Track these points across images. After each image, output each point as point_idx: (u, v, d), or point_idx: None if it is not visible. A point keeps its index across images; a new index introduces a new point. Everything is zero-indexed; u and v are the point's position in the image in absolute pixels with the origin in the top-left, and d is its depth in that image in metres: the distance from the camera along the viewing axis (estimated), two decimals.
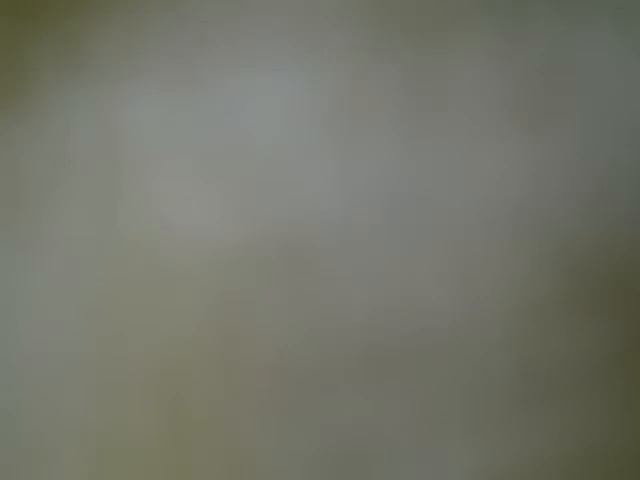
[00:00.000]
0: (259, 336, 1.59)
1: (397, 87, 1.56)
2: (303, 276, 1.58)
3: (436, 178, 1.52)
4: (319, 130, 1.60)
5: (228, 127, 1.66)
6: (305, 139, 1.61)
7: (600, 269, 1.43)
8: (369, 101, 1.57)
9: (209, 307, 1.63)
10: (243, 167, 1.64)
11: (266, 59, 1.65)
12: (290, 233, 1.60)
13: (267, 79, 1.64)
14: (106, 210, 1.72)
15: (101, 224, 1.72)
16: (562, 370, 1.44)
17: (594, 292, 1.43)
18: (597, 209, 1.44)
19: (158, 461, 1.63)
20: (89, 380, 1.70)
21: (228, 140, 1.66)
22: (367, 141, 1.57)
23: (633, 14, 1.45)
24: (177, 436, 1.63)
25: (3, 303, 1.78)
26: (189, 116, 1.69)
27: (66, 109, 1.77)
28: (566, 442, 1.42)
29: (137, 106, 1.73)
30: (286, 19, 1.63)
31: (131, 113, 1.73)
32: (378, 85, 1.57)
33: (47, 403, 1.72)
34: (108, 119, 1.74)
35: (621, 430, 1.40)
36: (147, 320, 1.67)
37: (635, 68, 1.44)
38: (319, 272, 1.57)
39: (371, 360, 1.53)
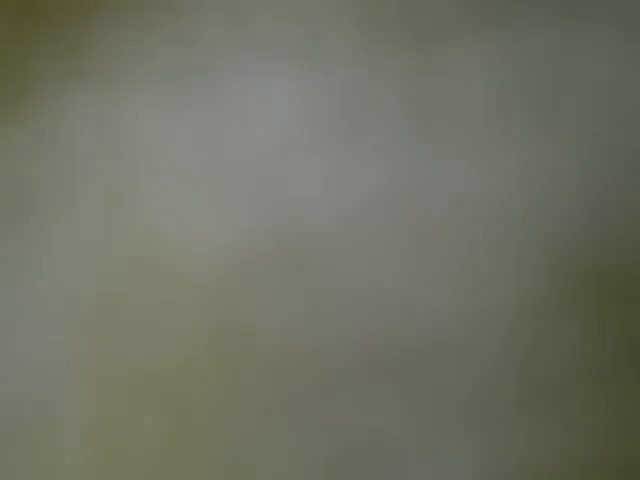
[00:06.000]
0: (261, 338, 1.59)
1: (397, 88, 1.56)
2: (304, 277, 1.58)
3: (436, 180, 1.52)
4: (319, 131, 1.60)
5: (231, 130, 1.67)
6: (305, 141, 1.61)
7: (605, 272, 1.43)
8: (369, 102, 1.58)
9: (210, 308, 1.63)
10: (245, 169, 1.64)
11: (268, 63, 1.65)
12: (291, 233, 1.60)
13: (269, 82, 1.65)
14: (108, 212, 1.73)
15: (103, 226, 1.73)
16: (566, 372, 1.43)
17: (599, 294, 1.43)
18: (602, 211, 1.44)
19: (157, 464, 1.63)
20: (88, 382, 1.70)
21: (231, 142, 1.66)
22: (367, 142, 1.57)
23: (635, 13, 1.45)
24: (177, 440, 1.63)
25: (3, 303, 1.78)
26: (193, 119, 1.69)
27: (69, 112, 1.78)
28: (570, 444, 1.42)
29: (140, 109, 1.73)
30: (286, 22, 1.64)
31: (134, 116, 1.73)
32: (378, 87, 1.57)
33: (47, 404, 1.72)
34: (111, 122, 1.75)
35: (627, 434, 1.40)
36: (148, 321, 1.67)
37: (638, 69, 1.44)
38: (321, 273, 1.57)
39: (374, 361, 1.52)
